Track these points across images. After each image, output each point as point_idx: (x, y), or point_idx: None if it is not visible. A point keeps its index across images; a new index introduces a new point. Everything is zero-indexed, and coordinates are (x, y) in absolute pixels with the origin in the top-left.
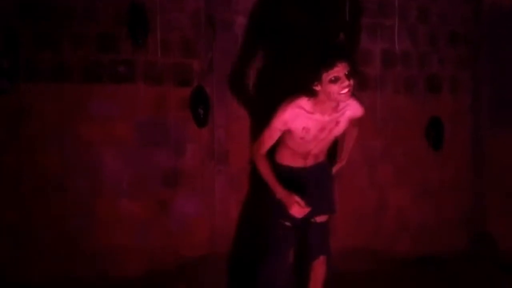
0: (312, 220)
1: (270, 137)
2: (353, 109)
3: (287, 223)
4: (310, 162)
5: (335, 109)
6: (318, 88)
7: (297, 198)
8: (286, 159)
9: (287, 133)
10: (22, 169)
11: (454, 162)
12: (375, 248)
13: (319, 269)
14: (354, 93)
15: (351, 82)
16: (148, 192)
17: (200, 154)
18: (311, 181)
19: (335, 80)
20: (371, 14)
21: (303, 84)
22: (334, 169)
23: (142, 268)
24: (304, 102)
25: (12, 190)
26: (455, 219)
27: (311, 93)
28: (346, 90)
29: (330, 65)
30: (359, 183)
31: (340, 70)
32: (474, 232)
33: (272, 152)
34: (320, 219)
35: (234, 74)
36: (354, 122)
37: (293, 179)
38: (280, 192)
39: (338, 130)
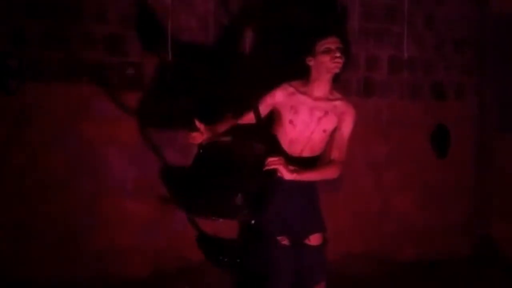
0: (307, 242)
1: (251, 111)
2: (344, 105)
3: (284, 242)
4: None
5: (326, 94)
6: (311, 62)
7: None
8: None
9: (277, 123)
10: (27, 168)
11: (458, 167)
12: (379, 253)
13: None
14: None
15: (342, 56)
16: (153, 193)
17: None
18: (303, 196)
19: (327, 51)
20: (378, 20)
21: (298, 60)
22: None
23: (146, 269)
24: (296, 82)
25: (17, 188)
26: (458, 224)
27: (304, 72)
28: (337, 60)
29: (323, 36)
30: (363, 187)
31: (332, 42)
32: (478, 237)
33: None
34: (315, 241)
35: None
36: (337, 159)
37: (284, 193)
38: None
39: (327, 124)
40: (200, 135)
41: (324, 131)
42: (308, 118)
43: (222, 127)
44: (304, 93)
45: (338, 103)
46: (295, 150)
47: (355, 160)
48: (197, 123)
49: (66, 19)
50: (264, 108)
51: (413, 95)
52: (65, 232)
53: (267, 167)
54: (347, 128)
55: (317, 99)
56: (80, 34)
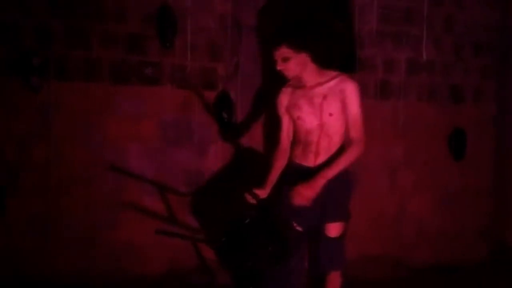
0: (325, 233)
1: (281, 127)
2: (340, 82)
3: (298, 228)
4: (320, 160)
5: (316, 79)
6: None
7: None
8: (298, 156)
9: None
10: (50, 163)
11: (475, 171)
12: (394, 256)
13: (332, 283)
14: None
15: (284, 67)
16: (171, 191)
17: (222, 155)
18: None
19: (276, 61)
20: (396, 22)
21: None
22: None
23: (162, 266)
24: (291, 82)
25: (38, 184)
26: (476, 228)
27: None
28: (282, 71)
29: (272, 47)
30: (379, 190)
31: (276, 54)
32: (494, 242)
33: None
34: (334, 233)
35: (258, 79)
36: (354, 138)
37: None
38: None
39: (330, 107)
40: (259, 200)
41: (331, 114)
42: (311, 108)
43: (275, 174)
44: (300, 88)
45: (332, 83)
46: (312, 140)
47: (371, 162)
48: (256, 194)
49: (88, 19)
50: (284, 118)
51: (431, 98)
52: (84, 227)
53: None
54: (354, 103)
55: (311, 87)
56: (101, 33)
